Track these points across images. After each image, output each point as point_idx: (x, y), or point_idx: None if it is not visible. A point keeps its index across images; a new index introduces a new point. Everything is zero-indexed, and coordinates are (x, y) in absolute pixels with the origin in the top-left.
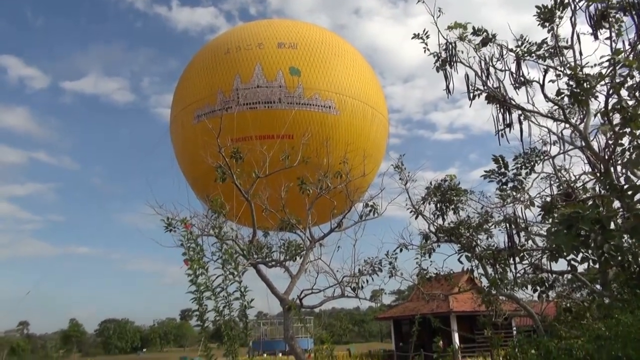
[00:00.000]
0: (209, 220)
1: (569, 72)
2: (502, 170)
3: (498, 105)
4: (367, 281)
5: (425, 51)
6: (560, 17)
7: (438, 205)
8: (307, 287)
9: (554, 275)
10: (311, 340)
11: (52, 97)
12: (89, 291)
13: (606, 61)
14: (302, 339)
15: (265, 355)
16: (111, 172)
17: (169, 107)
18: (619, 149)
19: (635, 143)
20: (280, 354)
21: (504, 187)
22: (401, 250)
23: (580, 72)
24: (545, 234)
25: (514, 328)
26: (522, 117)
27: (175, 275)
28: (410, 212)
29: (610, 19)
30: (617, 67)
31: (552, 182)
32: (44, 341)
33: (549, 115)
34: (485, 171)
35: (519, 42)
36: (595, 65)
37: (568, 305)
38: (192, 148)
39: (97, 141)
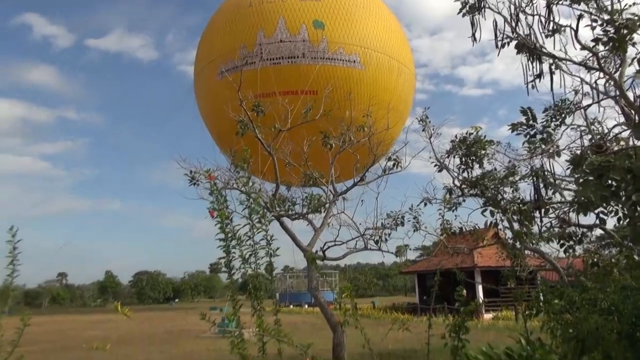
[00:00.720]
0: (232, 174)
1: (606, 16)
2: (531, 122)
3: (528, 54)
4: (390, 234)
5: None
6: None
7: (463, 159)
8: (331, 240)
9: (581, 230)
10: (335, 293)
11: (77, 55)
12: (122, 245)
13: None
14: (326, 291)
15: (291, 306)
16: (138, 129)
17: (193, 64)
18: None
19: None
20: (306, 306)
21: (532, 139)
22: (425, 205)
23: (619, 17)
24: (573, 187)
25: (539, 283)
26: (553, 67)
27: (204, 230)
28: (435, 166)
29: None
30: None
31: (583, 134)
32: (82, 291)
33: (582, 63)
34: (513, 124)
35: None
36: (633, 4)
37: (595, 260)
38: (216, 104)
39: (124, 99)
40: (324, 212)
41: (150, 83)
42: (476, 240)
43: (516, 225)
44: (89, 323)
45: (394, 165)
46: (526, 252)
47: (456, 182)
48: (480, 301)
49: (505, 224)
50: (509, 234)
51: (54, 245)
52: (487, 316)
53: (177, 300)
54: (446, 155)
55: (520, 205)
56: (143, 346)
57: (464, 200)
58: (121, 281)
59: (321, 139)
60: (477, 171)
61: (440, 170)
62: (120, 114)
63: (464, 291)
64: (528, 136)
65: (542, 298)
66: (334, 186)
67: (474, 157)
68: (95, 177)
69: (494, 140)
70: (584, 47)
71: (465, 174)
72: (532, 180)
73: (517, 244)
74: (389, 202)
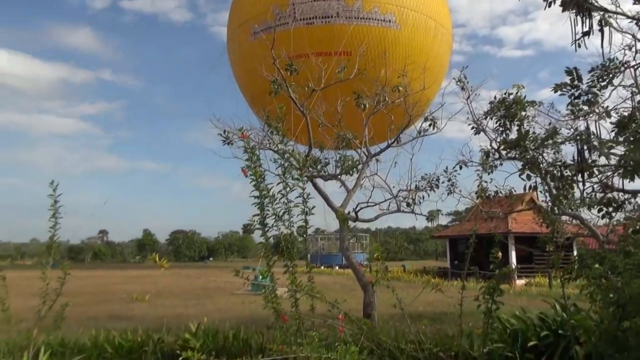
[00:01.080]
0: (265, 134)
1: None
2: (576, 83)
3: (576, 9)
4: (423, 197)
5: None
6: None
7: (501, 121)
8: (363, 201)
9: (625, 196)
10: (366, 255)
11: (112, 17)
12: (159, 204)
13: None
14: (357, 253)
15: (322, 267)
16: (173, 91)
17: (226, 26)
18: None
19: None
20: (336, 267)
21: (576, 100)
22: (460, 168)
23: None
24: (619, 151)
25: (575, 251)
26: (602, 22)
27: (237, 191)
28: (472, 128)
29: None
30: None
31: (632, 95)
32: (122, 248)
33: (635, 17)
34: (557, 84)
35: None
36: None
37: (638, 227)
38: (249, 65)
39: (158, 60)
40: (357, 173)
41: (184, 44)
42: (511, 206)
43: (555, 190)
44: (128, 278)
45: (430, 125)
46: (564, 218)
47: (494, 144)
48: (513, 267)
49: (545, 187)
50: (547, 198)
51: (96, 203)
52: (520, 282)
53: (211, 259)
54: (484, 117)
55: (562, 169)
56: (180, 300)
57: (501, 164)
58: (158, 239)
59: (354, 99)
60: (515, 134)
61: (477, 133)
62: (155, 75)
63: (499, 254)
64: (572, 97)
65: (580, 263)
66: (368, 147)
67: (512, 119)
68: (132, 138)
69: (536, 101)
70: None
71: (503, 137)
72: (575, 143)
73: (556, 209)
74: (424, 165)
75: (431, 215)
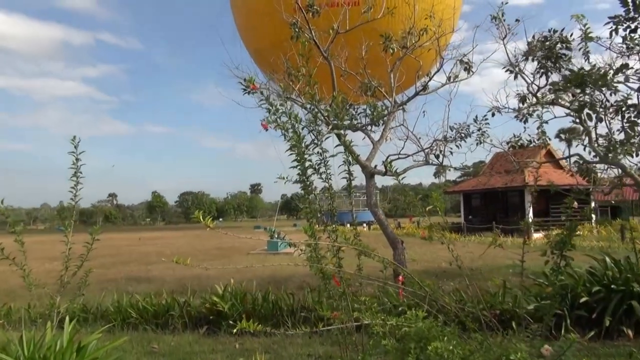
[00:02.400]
0: (286, 83)
1: None
2: (632, 14)
3: None
4: (452, 149)
5: None
6: None
7: (542, 62)
8: (390, 154)
9: None
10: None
11: None
12: (167, 166)
13: None
14: (365, 211)
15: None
16: (175, 51)
17: None
18: None
19: None
20: (348, 225)
21: (632, 34)
22: (493, 115)
23: None
24: None
25: (593, 204)
26: None
27: (244, 151)
28: (506, 71)
29: None
30: None
31: None
32: (132, 210)
33: None
34: (610, 17)
35: None
36: None
37: None
38: (256, 17)
39: (157, 19)
40: (382, 125)
41: (182, 2)
42: (530, 158)
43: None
44: (141, 240)
45: (466, 69)
46: (598, 167)
47: (531, 88)
48: (530, 220)
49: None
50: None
51: (103, 167)
52: (537, 235)
53: (221, 219)
54: (523, 58)
55: (623, 109)
56: (197, 261)
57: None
58: (168, 201)
59: (382, 42)
60: (555, 77)
61: (515, 77)
62: (155, 35)
63: (575, 203)
64: (628, 30)
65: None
66: (394, 97)
67: (555, 60)
68: (135, 101)
69: (594, 36)
70: None
71: (542, 80)
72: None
73: (611, 156)
74: (453, 114)
75: (438, 171)
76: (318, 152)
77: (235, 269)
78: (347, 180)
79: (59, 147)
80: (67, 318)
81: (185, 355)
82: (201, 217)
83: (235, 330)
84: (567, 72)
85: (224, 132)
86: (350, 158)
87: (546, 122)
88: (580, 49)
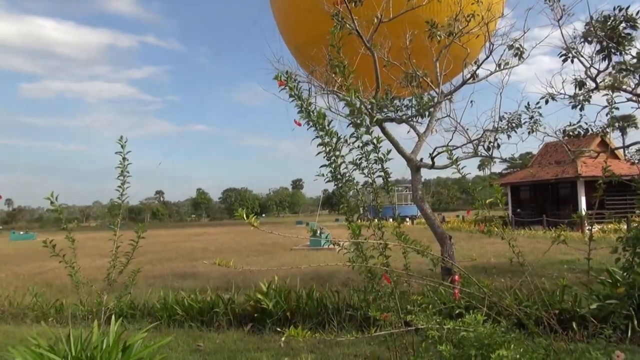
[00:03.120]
0: (328, 75)
1: None
2: None
3: None
4: (501, 139)
5: None
6: None
7: (604, 44)
8: (438, 146)
9: None
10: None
11: None
12: (210, 164)
13: None
14: (408, 206)
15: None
16: (216, 52)
17: None
18: None
19: None
20: (390, 220)
21: None
22: (547, 102)
23: None
24: None
25: None
26: None
27: (285, 149)
28: (561, 56)
29: None
30: None
31: None
32: (178, 207)
33: None
34: None
35: None
36: None
37: None
38: (296, 13)
39: (198, 22)
40: (428, 116)
41: (222, 4)
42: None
43: None
44: (187, 236)
45: (516, 55)
46: None
47: (590, 72)
48: (584, 213)
49: None
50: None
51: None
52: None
53: (264, 215)
54: (580, 40)
55: None
56: (241, 257)
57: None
58: (212, 197)
59: (427, 29)
60: (616, 59)
61: (572, 61)
62: (196, 37)
63: None
64: None
65: None
66: (440, 87)
67: (619, 40)
68: (179, 101)
69: None
70: None
71: (602, 64)
72: None
73: None
74: (504, 103)
75: (482, 164)
76: (359, 146)
77: (279, 264)
78: (383, 179)
79: (110, 147)
80: (114, 316)
81: (230, 353)
82: (244, 216)
83: (284, 336)
84: (631, 54)
85: (265, 132)
86: (381, 154)
87: (617, 108)
88: None
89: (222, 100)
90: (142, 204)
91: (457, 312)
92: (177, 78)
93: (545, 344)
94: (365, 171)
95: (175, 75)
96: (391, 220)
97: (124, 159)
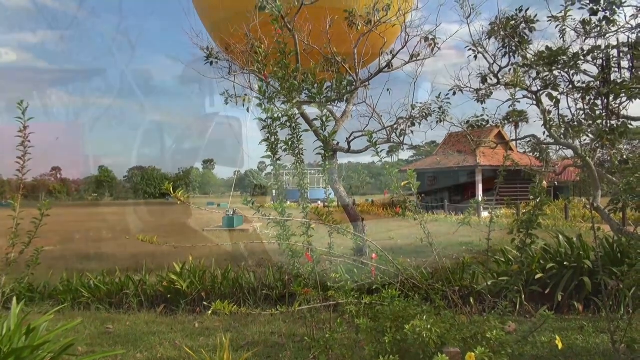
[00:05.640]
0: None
1: None
2: None
3: None
4: (413, 127)
5: None
6: None
7: (505, 41)
8: (352, 131)
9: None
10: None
11: None
12: (113, 141)
13: None
14: (318, 188)
15: (289, 203)
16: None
17: None
18: None
19: None
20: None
21: (593, 17)
22: (454, 94)
23: None
24: None
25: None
26: None
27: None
28: (468, 49)
29: None
30: None
31: None
32: (77, 185)
33: None
34: None
35: None
36: None
37: (624, 157)
38: None
39: None
40: (345, 101)
41: None
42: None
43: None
44: (89, 215)
45: (430, 45)
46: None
47: (493, 68)
48: (480, 199)
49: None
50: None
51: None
52: (485, 214)
53: (170, 197)
54: (485, 37)
55: (585, 90)
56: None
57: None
58: (116, 176)
59: (346, 18)
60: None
61: (475, 57)
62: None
63: (544, 183)
64: (591, 12)
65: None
66: (357, 73)
67: (520, 40)
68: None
69: (559, 16)
70: None
71: (504, 60)
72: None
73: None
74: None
75: (391, 150)
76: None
77: (191, 246)
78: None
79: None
80: (15, 298)
81: (143, 335)
82: (171, 190)
83: (210, 311)
84: (530, 53)
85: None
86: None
87: (518, 101)
88: (545, 30)
89: (131, 73)
90: (36, 180)
91: (374, 287)
92: (77, 46)
93: (450, 315)
94: (296, 151)
95: (76, 42)
96: (288, 202)
97: (24, 127)
